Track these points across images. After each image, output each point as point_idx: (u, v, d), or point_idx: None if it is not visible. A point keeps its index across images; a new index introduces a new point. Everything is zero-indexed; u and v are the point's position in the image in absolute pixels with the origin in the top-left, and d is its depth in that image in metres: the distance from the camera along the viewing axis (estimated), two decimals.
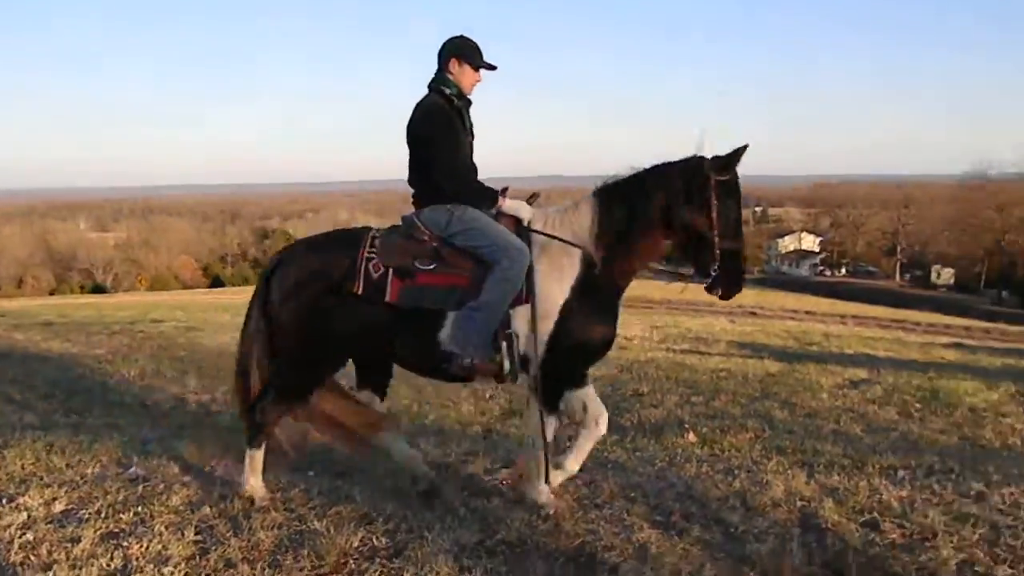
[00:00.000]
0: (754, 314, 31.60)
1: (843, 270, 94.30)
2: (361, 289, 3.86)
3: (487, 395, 7.62)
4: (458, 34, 4.14)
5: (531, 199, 4.14)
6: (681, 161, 3.87)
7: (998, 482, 4.47)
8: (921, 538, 3.65)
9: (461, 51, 4.08)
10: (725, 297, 3.80)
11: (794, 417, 6.85)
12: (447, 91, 4.05)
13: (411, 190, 4.09)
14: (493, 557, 3.49)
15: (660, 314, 28.32)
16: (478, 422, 6.61)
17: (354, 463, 4.89)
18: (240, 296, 45.27)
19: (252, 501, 4.05)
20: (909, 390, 8.23)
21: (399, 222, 4.12)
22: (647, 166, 3.93)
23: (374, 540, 3.61)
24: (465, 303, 3.82)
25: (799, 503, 4.10)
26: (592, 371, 4.22)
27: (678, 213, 3.81)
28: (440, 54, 4.10)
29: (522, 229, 3.95)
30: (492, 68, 4.14)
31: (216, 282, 77.08)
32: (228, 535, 3.66)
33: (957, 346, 17.35)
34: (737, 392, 8.00)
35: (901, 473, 4.60)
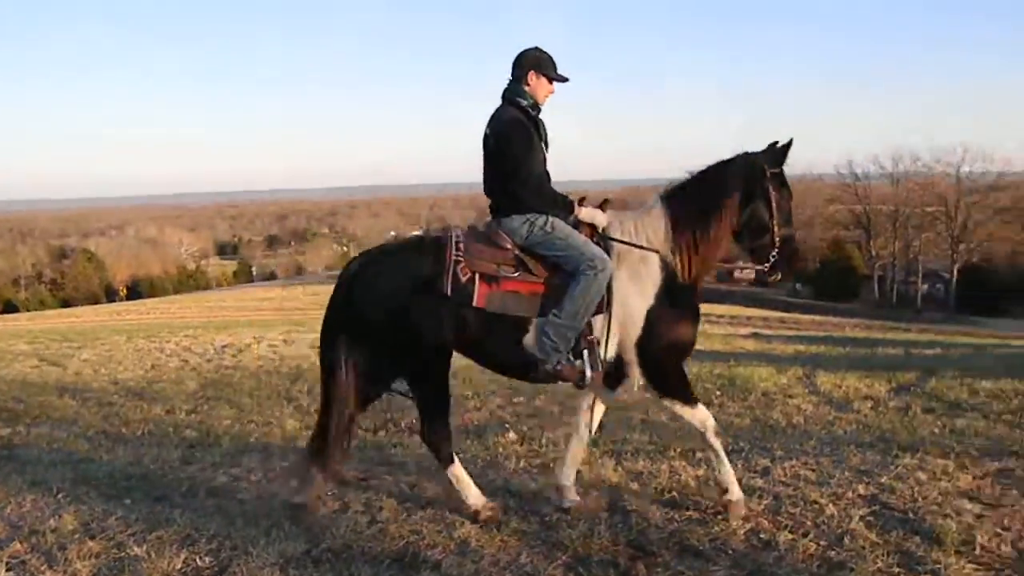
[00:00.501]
0: None
1: None
2: (450, 291, 3.87)
3: (313, 409, 7.58)
4: (534, 46, 4.15)
5: (604, 205, 4.17)
6: (738, 158, 4.06)
7: (781, 457, 5.01)
8: (715, 512, 4.04)
9: (540, 64, 4.10)
10: (785, 279, 4.20)
11: (608, 411, 7.27)
12: (523, 103, 4.08)
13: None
14: (319, 566, 3.56)
15: None
16: (303, 437, 6.59)
17: (173, 487, 4.80)
18: (38, 322, 41.96)
19: (478, 513, 3.99)
20: (710, 379, 8.93)
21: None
22: (703, 168, 4.10)
23: (197, 560, 3.59)
24: (547, 310, 3.88)
25: (608, 488, 4.43)
26: None
27: (743, 208, 4.01)
28: (519, 65, 4.11)
29: (600, 237, 4.03)
30: (565, 80, 4.17)
31: (9, 307, 70.86)
32: (43, 568, 3.53)
33: (755, 336, 18.95)
34: (557, 392, 8.38)
35: (699, 455, 5.02)
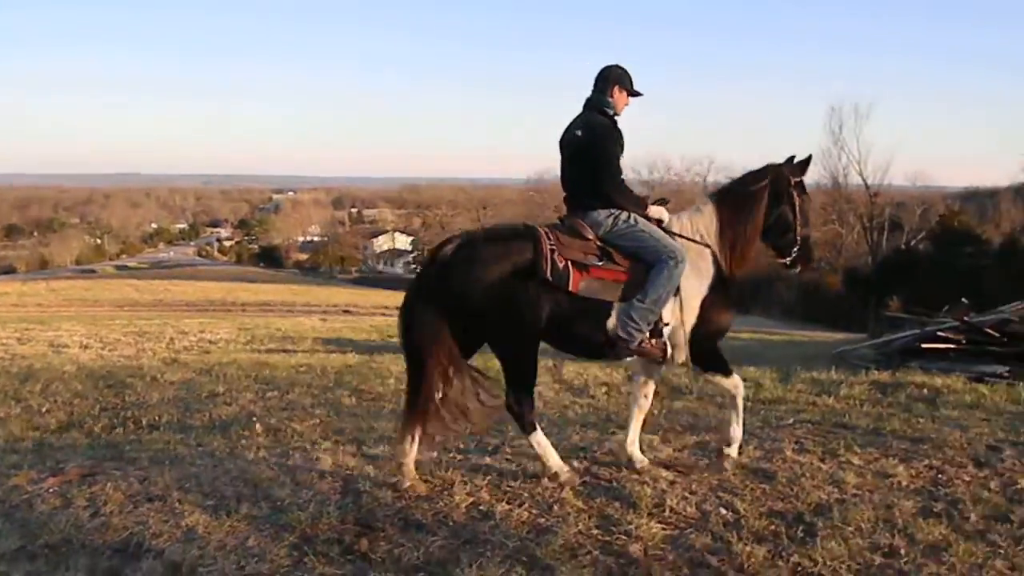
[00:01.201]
0: (348, 312, 32.64)
1: None
2: (550, 275, 4.20)
3: (43, 410, 7.12)
4: (616, 63, 4.65)
5: (662, 203, 4.60)
6: (768, 169, 4.71)
7: (512, 438, 5.38)
8: (441, 489, 4.31)
9: (621, 79, 4.60)
10: (803, 271, 4.91)
11: (360, 402, 7.45)
12: (609, 112, 4.57)
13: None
14: (34, 561, 3.44)
15: (252, 316, 27.98)
16: (30, 437, 6.19)
17: None
18: None
19: (557, 476, 4.36)
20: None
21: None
22: (740, 176, 4.81)
23: None
24: (628, 296, 4.31)
25: (344, 473, 4.58)
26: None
27: (773, 211, 4.65)
28: (604, 79, 4.60)
29: (663, 232, 4.47)
30: (640, 95, 4.67)
31: None
32: None
33: None
34: (312, 384, 8.42)
35: (438, 438, 5.29)
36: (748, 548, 3.56)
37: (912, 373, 8.83)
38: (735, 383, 4.71)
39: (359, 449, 5.14)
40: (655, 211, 4.54)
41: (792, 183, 4.72)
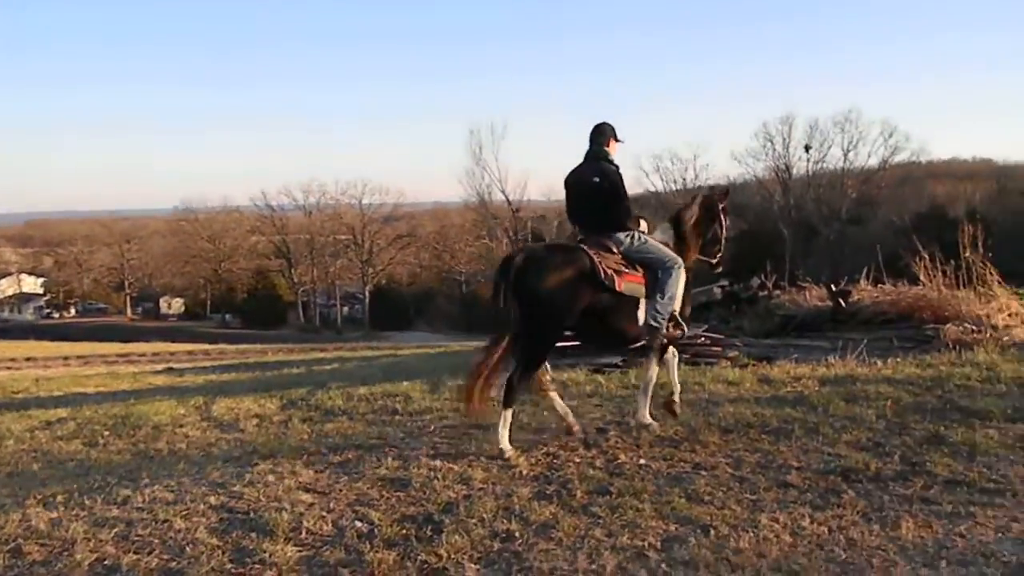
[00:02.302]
0: None
1: (72, 310, 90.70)
2: (604, 278, 5.40)
3: None
4: (605, 120, 5.99)
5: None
6: (703, 197, 6.55)
7: (146, 484, 5.12)
8: (62, 550, 3.99)
9: (614, 132, 5.96)
10: (722, 268, 6.91)
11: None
12: (612, 160, 5.90)
13: None
14: None
15: None
16: None
17: None
18: None
19: (503, 453, 5.32)
20: (104, 420, 8.56)
21: None
22: (686, 202, 6.59)
23: None
24: (650, 295, 5.69)
25: None
26: None
27: (710, 227, 6.43)
28: (601, 133, 5.92)
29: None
30: (623, 142, 6.01)
31: None
32: None
33: (169, 371, 18.62)
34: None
35: (59, 498, 4.88)
36: (379, 555, 3.75)
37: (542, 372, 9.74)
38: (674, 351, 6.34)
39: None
40: (643, 228, 5.98)
41: (720, 207, 6.47)
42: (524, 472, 5.02)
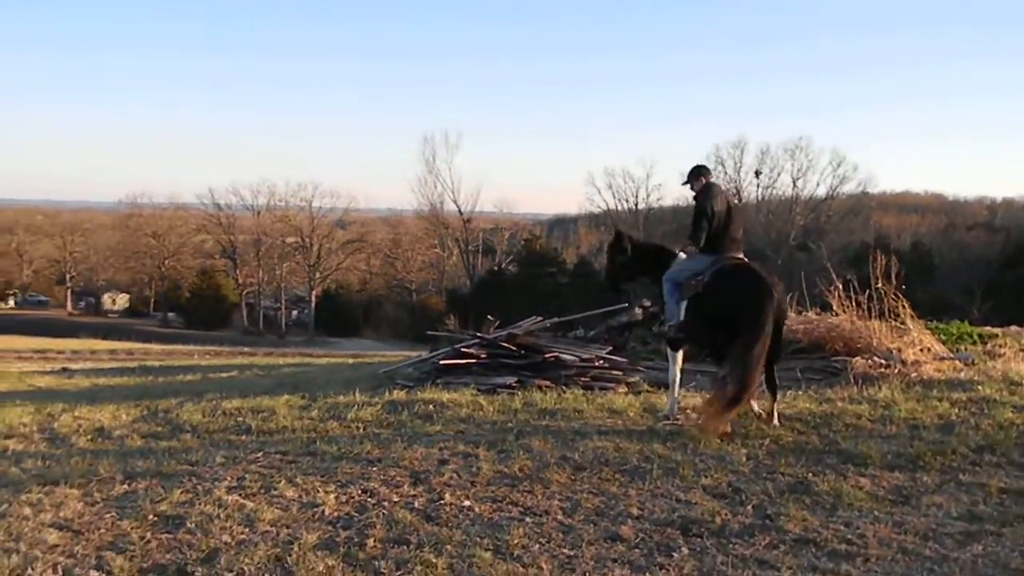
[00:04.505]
0: None
1: (11, 301, 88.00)
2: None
3: None
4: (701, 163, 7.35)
5: None
6: (618, 233, 7.77)
7: None
8: None
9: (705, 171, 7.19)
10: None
11: None
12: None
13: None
14: None
15: None
16: None
17: None
18: None
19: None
20: None
21: None
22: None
23: None
24: None
25: None
26: None
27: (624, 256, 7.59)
28: (696, 173, 7.12)
29: None
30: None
31: None
32: None
33: (63, 371, 17.68)
34: None
35: None
36: None
37: (431, 390, 9.12)
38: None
39: None
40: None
41: (627, 238, 7.78)
42: (327, 513, 4.40)
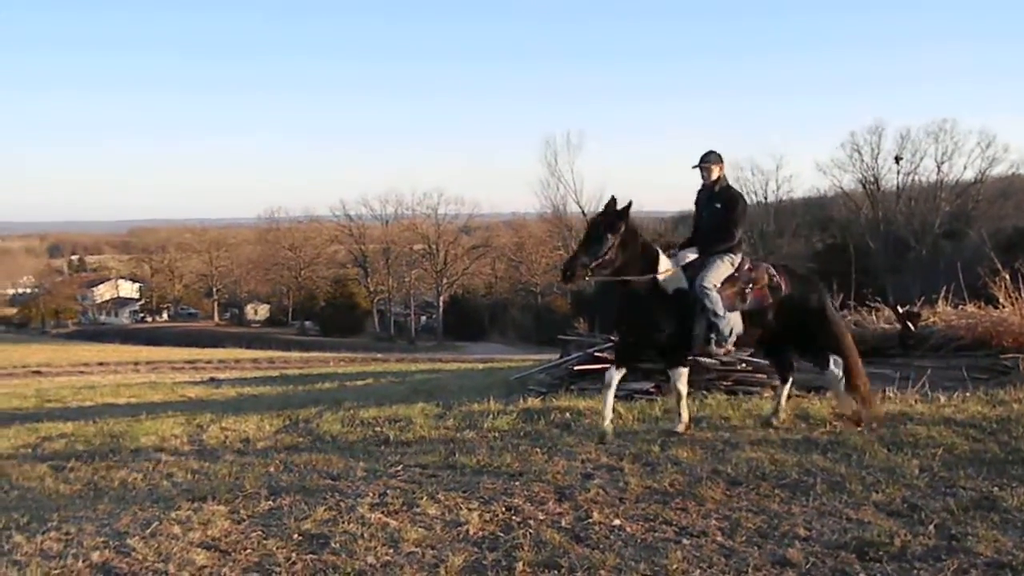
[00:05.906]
0: (39, 373, 29.09)
1: (165, 315, 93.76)
2: None
3: None
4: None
5: None
6: (613, 202, 6.52)
7: (48, 528, 4.56)
8: None
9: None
10: None
11: None
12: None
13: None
14: None
15: None
16: None
17: None
18: None
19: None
20: (93, 440, 8.15)
21: None
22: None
23: None
24: None
25: None
26: None
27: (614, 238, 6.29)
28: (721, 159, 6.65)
29: None
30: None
31: None
32: None
33: (210, 381, 18.44)
34: None
35: None
36: None
37: (565, 397, 8.89)
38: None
39: None
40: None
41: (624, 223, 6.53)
42: (471, 532, 4.22)
